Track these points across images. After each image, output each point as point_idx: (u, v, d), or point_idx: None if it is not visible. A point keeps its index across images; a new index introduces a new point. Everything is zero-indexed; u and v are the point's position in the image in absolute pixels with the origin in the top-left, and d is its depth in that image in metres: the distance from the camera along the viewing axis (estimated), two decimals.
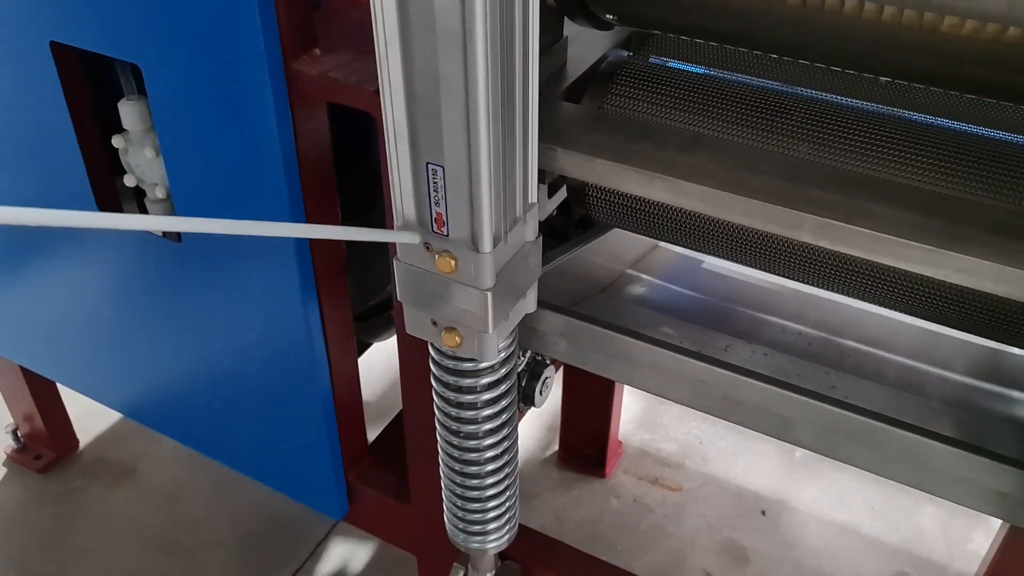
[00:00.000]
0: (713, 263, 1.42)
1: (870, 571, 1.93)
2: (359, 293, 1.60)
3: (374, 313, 1.74)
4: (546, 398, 1.33)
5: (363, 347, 1.88)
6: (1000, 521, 1.83)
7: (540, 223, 1.06)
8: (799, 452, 2.16)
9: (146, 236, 1.42)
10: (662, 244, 1.46)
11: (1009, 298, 0.89)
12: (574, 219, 1.36)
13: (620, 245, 1.42)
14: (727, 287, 1.38)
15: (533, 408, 1.32)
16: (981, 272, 0.88)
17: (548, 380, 1.31)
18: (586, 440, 2.11)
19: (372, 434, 1.64)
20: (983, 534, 1.97)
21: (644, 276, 1.43)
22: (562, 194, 1.24)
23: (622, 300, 1.37)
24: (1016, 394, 1.19)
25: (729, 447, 2.19)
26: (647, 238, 1.39)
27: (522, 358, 1.27)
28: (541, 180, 1.14)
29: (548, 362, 1.30)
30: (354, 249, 1.48)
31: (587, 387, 2.02)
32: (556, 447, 2.18)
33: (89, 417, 2.22)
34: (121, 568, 1.94)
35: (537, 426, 2.24)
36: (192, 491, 2.10)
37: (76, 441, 2.20)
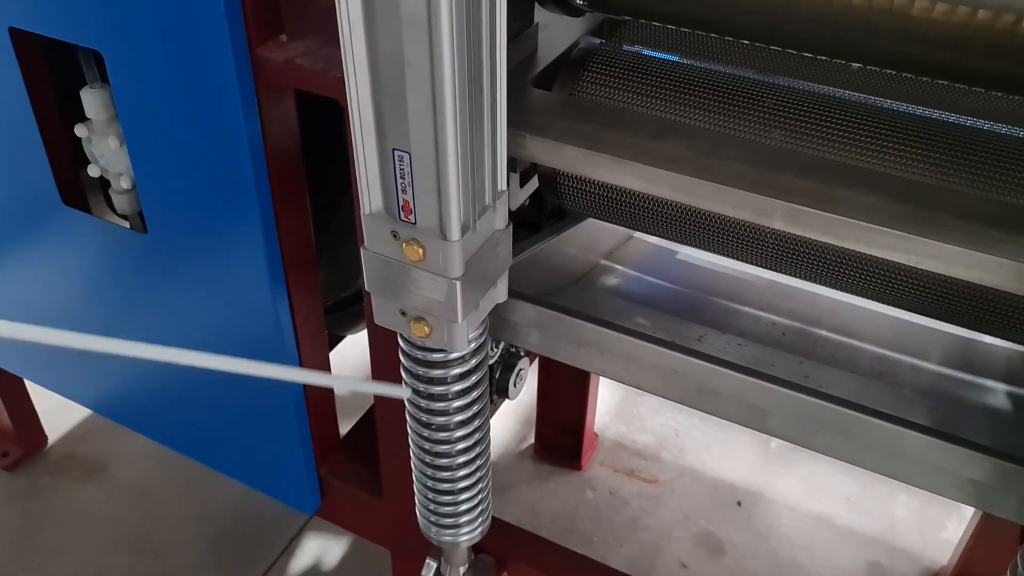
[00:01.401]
0: (687, 253, 1.42)
1: (845, 561, 1.93)
2: (331, 285, 1.59)
3: (347, 305, 1.72)
4: (520, 390, 1.32)
5: (337, 339, 1.86)
6: (972, 510, 1.84)
7: (513, 213, 1.04)
8: (775, 443, 2.16)
9: (113, 228, 1.39)
10: (636, 234, 1.45)
11: (980, 285, 0.89)
12: (547, 209, 1.35)
13: (594, 235, 1.41)
14: (701, 277, 1.37)
15: (508, 400, 1.31)
16: (953, 258, 0.88)
17: (522, 372, 1.29)
18: (562, 432, 2.10)
19: (345, 428, 1.62)
20: (956, 522, 1.98)
21: (618, 267, 1.42)
22: (534, 183, 1.23)
23: (596, 291, 1.36)
24: (988, 382, 1.19)
25: (705, 439, 2.19)
26: (621, 228, 1.38)
27: (495, 350, 1.26)
28: (512, 168, 1.12)
29: (522, 354, 1.29)
30: (325, 241, 1.46)
31: (562, 379, 2.01)
32: (531, 439, 2.17)
33: (58, 413, 2.18)
34: (92, 566, 1.92)
35: (512, 419, 2.23)
36: (164, 488, 2.07)
37: (45, 438, 2.17)
